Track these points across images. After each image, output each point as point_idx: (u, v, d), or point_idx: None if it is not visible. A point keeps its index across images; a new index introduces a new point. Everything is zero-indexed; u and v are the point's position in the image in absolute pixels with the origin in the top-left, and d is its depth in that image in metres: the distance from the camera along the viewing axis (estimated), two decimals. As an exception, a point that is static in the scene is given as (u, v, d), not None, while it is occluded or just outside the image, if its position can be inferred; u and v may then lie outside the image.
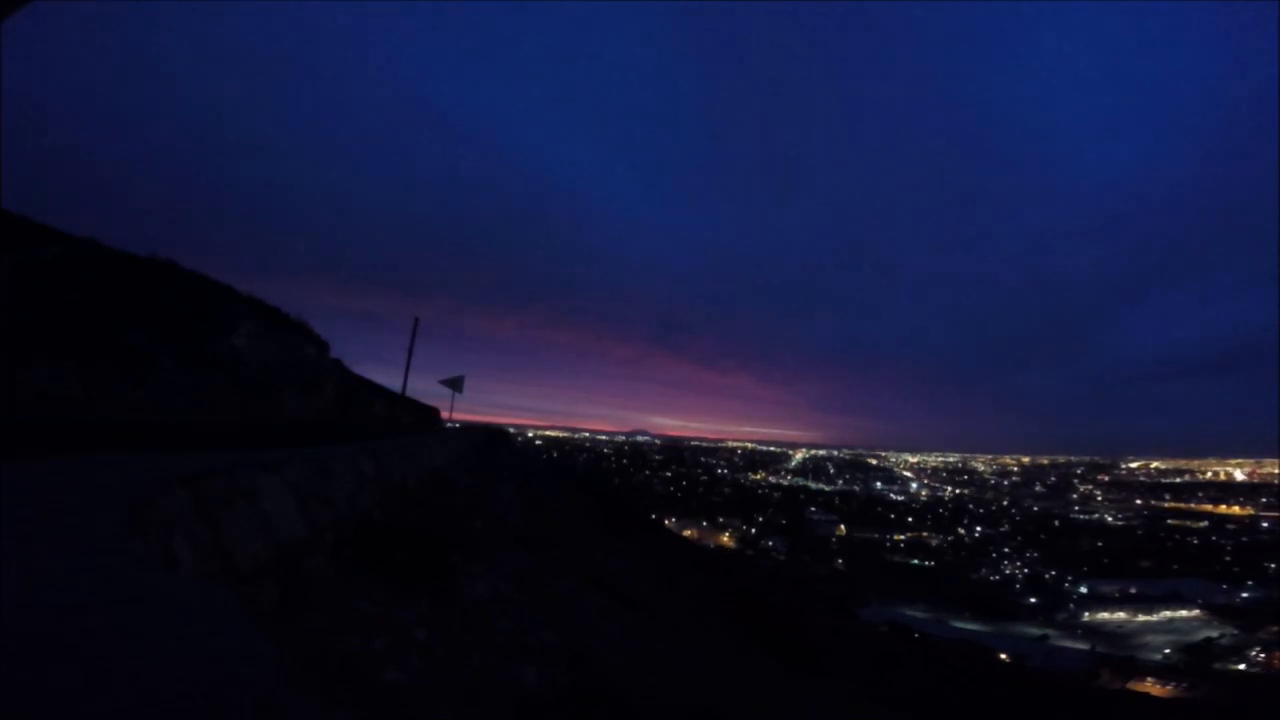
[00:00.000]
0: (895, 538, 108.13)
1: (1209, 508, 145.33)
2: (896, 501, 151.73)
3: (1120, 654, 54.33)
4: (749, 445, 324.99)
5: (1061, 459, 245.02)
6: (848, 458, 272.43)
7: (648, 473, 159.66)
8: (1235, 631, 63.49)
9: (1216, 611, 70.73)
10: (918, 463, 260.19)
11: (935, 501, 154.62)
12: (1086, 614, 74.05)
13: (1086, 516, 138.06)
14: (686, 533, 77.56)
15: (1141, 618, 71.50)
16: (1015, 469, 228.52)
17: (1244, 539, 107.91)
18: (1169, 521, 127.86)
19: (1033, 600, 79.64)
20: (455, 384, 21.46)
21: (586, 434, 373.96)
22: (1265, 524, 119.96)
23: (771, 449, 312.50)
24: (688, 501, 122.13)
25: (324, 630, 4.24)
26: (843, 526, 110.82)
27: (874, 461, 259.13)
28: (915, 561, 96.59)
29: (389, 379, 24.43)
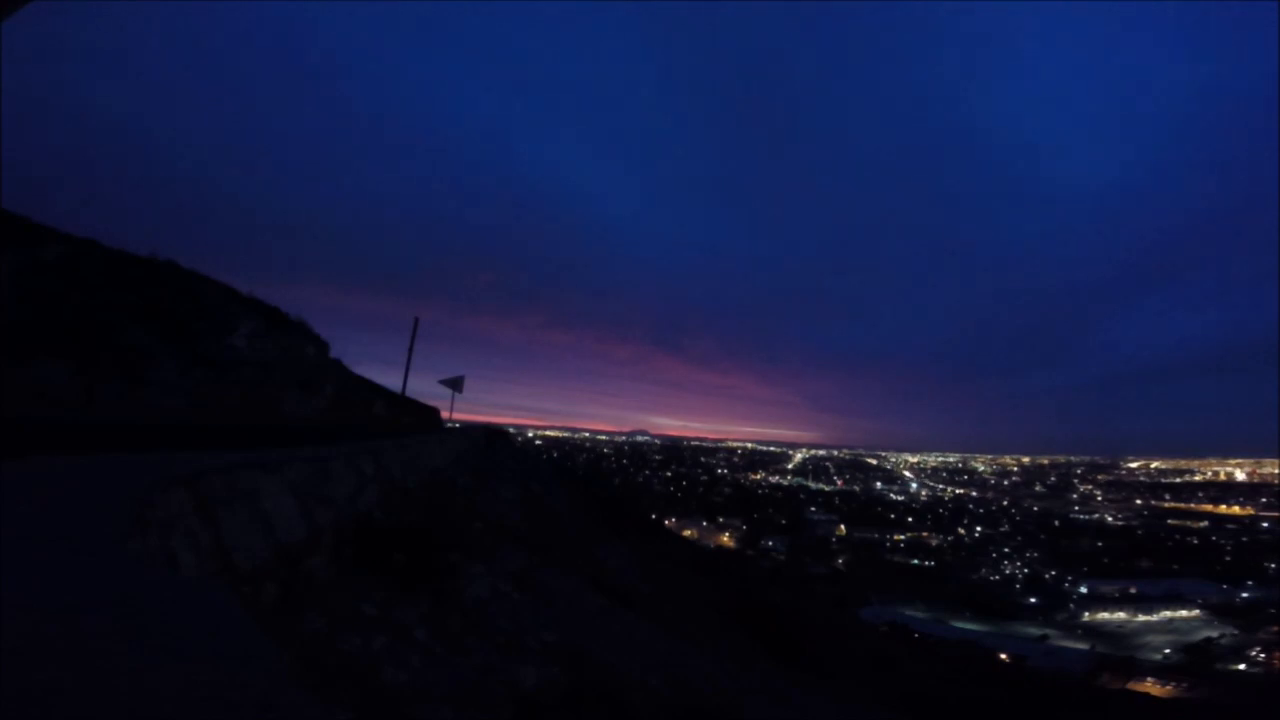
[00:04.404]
0: (895, 538, 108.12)
1: (1209, 508, 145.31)
2: (896, 501, 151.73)
3: (1120, 654, 54.37)
4: (749, 445, 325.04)
5: (1061, 459, 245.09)
6: (848, 458, 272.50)
7: (648, 473, 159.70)
8: (1235, 631, 63.51)
9: (1216, 611, 70.74)
10: (918, 463, 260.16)
11: (935, 501, 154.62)
12: (1086, 614, 74.06)
13: (1086, 516, 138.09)
14: (686, 533, 77.58)
15: (1141, 618, 71.52)
16: (1015, 469, 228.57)
17: (1244, 539, 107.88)
18: (1169, 521, 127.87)
19: (1033, 600, 79.64)
20: (455, 384, 21.45)
21: (586, 434, 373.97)
22: (1265, 524, 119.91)
23: (771, 449, 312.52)
24: (688, 501, 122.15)
25: (324, 630, 4.25)
26: (843, 526, 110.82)
27: (874, 461, 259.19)
28: (915, 561, 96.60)
29: (389, 379, 24.45)
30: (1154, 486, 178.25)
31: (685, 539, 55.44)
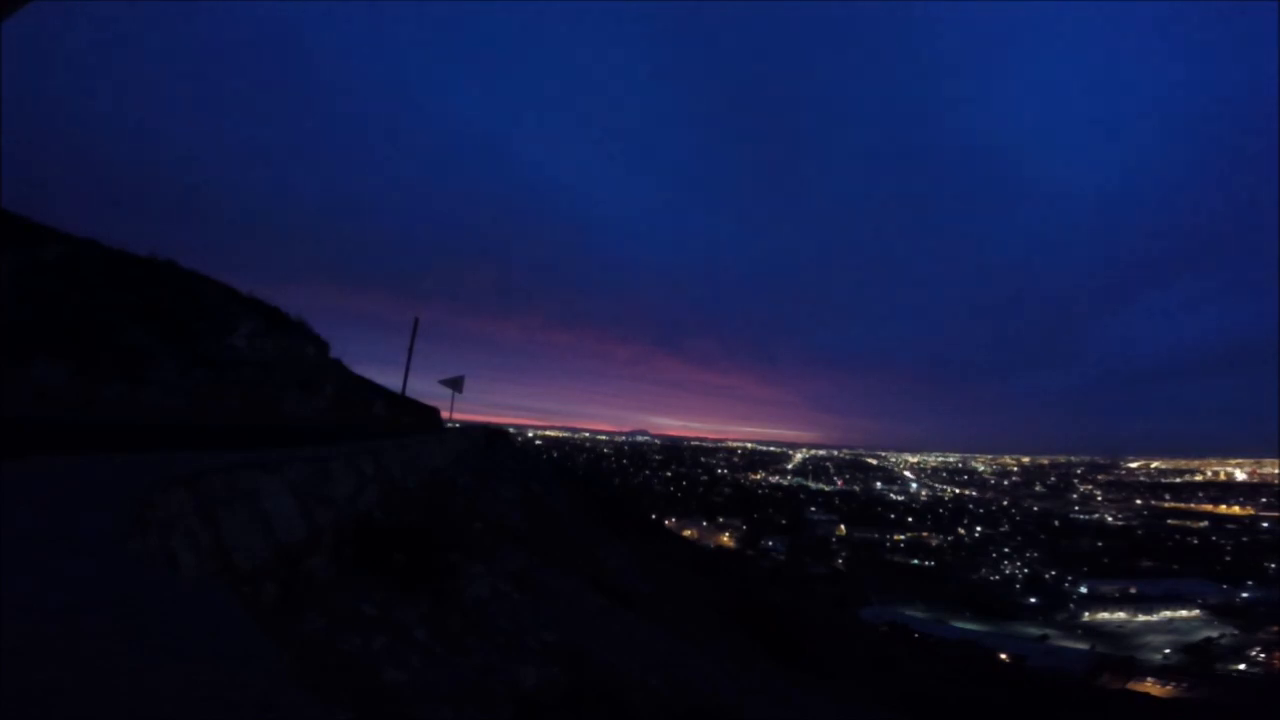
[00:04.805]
0: (895, 538, 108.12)
1: (1209, 508, 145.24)
2: (896, 501, 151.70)
3: (1120, 654, 54.37)
4: (749, 445, 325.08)
5: (1061, 459, 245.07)
6: (848, 458, 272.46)
7: (648, 473, 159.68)
8: (1235, 631, 63.49)
9: (1216, 611, 70.72)
10: (918, 463, 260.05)
11: (935, 501, 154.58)
12: (1086, 614, 74.04)
13: (1086, 516, 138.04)
14: (686, 533, 77.57)
15: (1141, 618, 71.49)
16: (1015, 469, 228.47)
17: (1244, 539, 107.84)
18: (1169, 521, 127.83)
19: (1033, 600, 79.64)
20: (455, 384, 21.44)
21: (586, 434, 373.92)
22: (1265, 524, 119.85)
23: (771, 449, 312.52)
24: (688, 501, 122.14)
25: (324, 630, 4.24)
26: (843, 526, 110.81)
27: (874, 461, 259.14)
28: (915, 561, 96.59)
29: (389, 379, 24.39)
30: (1154, 486, 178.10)
31: (685, 539, 55.43)
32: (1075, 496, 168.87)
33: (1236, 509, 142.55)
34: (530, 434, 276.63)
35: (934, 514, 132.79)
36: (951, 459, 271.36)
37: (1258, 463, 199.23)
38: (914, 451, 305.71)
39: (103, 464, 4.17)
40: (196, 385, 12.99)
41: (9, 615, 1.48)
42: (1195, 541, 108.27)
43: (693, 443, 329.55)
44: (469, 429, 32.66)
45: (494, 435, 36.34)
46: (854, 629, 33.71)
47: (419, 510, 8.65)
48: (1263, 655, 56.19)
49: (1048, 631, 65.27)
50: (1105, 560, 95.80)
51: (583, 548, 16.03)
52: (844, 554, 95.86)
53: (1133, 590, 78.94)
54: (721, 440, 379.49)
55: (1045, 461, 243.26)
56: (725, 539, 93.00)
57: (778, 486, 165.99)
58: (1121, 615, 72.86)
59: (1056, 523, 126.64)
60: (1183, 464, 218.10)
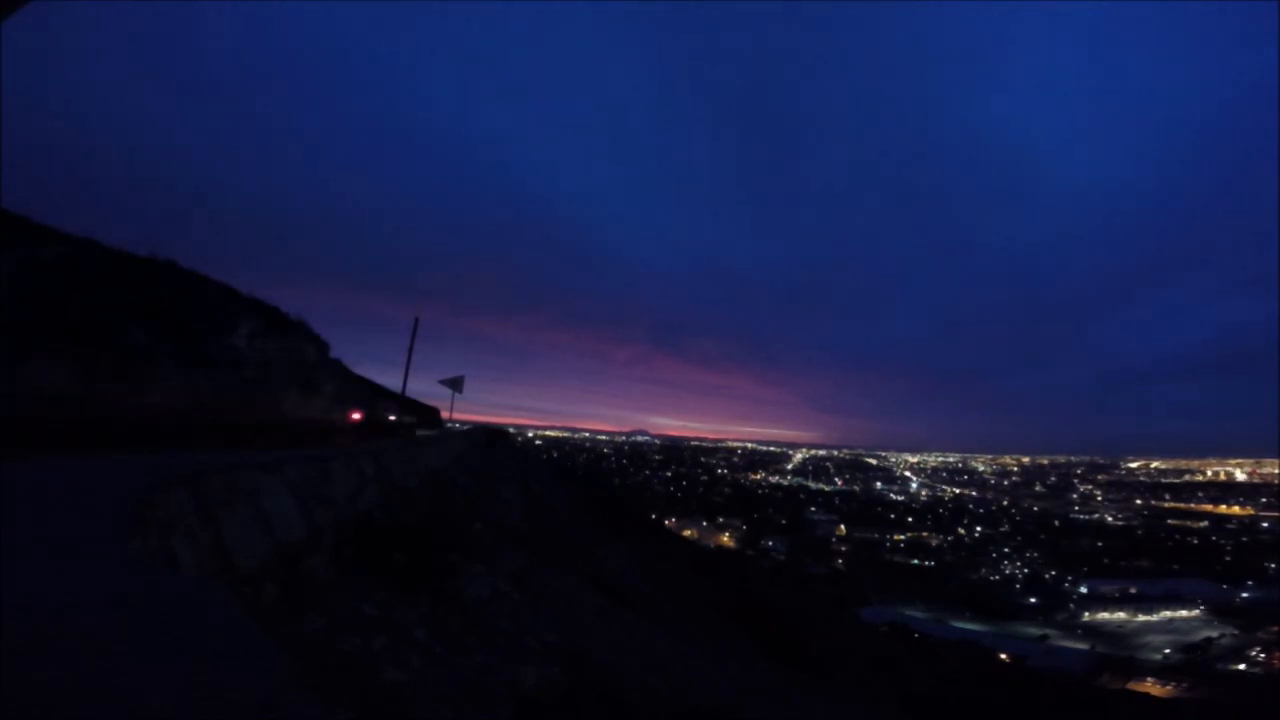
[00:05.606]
0: (895, 538, 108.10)
1: (1209, 508, 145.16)
2: (896, 501, 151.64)
3: (1120, 654, 54.37)
4: (749, 445, 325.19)
5: (1061, 459, 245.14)
6: (848, 458, 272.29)
7: (648, 473, 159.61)
8: (1235, 631, 63.47)
9: (1216, 611, 70.72)
10: (918, 463, 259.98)
11: (935, 501, 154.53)
12: (1086, 614, 74.03)
13: (1086, 516, 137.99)
14: (686, 533, 77.57)
15: (1141, 618, 71.48)
16: (1015, 469, 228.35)
17: (1244, 539, 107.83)
18: (1169, 521, 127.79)
19: (1033, 600, 79.61)
20: (455, 384, 21.44)
21: (586, 434, 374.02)
22: (1265, 524, 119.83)
23: (771, 449, 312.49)
24: (688, 501, 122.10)
25: (324, 630, 4.24)
26: (843, 526, 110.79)
27: (874, 461, 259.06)
28: (915, 561, 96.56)
29: (389, 379, 24.41)
30: (1154, 486, 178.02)
31: (685, 539, 55.37)
32: (1075, 496, 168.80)
33: (1236, 509, 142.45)
34: (530, 434, 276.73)
35: (934, 514, 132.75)
36: (951, 459, 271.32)
37: (1258, 463, 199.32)
38: (914, 451, 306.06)
39: (103, 464, 4.17)
40: (196, 385, 12.98)
41: (9, 615, 1.48)
42: (1195, 541, 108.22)
43: (693, 443, 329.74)
44: (469, 429, 32.66)
45: (494, 435, 36.33)
46: (854, 629, 33.69)
47: (419, 510, 8.65)
48: (1263, 655, 56.15)
49: (1048, 631, 65.26)
50: (1105, 560, 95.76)
51: (583, 548, 16.02)
52: (844, 554, 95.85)
53: (1133, 590, 78.91)
54: (721, 440, 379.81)
55: (1045, 461, 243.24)
56: (725, 539, 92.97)
57: (778, 486, 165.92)
58: (1121, 615, 72.85)
59: (1056, 523, 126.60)
60: (1183, 464, 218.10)
